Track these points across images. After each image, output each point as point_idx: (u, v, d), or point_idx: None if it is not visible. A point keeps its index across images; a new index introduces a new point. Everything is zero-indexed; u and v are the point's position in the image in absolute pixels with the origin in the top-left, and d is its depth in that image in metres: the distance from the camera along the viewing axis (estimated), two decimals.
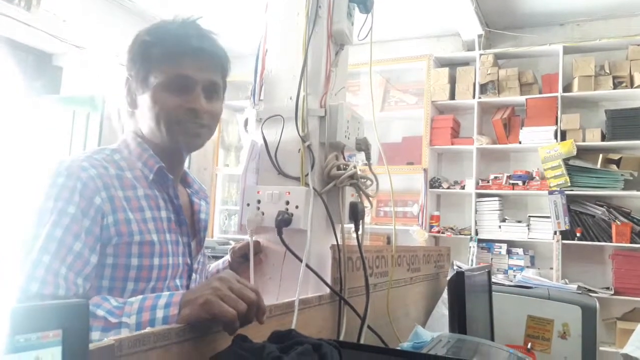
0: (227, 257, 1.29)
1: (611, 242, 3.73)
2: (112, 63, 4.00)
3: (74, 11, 3.81)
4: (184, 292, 0.81)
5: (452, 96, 4.36)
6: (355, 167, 1.19)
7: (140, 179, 1.03)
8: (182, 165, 1.17)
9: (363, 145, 1.26)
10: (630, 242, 3.68)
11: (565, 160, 3.84)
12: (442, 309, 1.63)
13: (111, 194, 0.96)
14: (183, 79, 1.03)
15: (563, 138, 3.93)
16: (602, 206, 3.85)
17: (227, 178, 5.10)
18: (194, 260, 1.12)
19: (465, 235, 4.19)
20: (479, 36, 4.30)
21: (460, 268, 1.65)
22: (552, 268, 3.77)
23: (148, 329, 0.66)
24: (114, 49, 4.05)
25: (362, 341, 1.12)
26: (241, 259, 1.23)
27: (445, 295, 1.63)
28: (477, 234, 4.13)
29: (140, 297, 0.84)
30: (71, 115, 3.52)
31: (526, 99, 4.11)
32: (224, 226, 4.99)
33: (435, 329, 1.45)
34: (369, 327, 1.15)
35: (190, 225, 1.13)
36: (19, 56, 3.68)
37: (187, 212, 1.13)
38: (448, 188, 4.32)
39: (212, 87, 1.07)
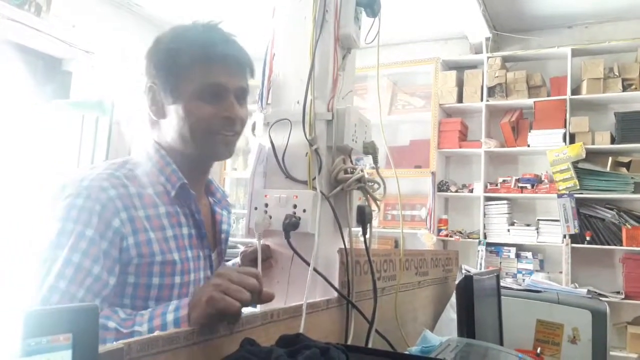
0: (237, 260, 1.29)
1: (621, 245, 3.70)
2: (121, 67, 4.03)
3: (83, 16, 3.84)
4: (191, 296, 0.82)
5: (460, 99, 4.35)
6: (362, 170, 1.18)
7: (161, 195, 1.02)
8: (207, 176, 1.16)
9: (370, 149, 1.26)
10: None
11: (574, 164, 3.81)
12: (451, 313, 1.63)
13: (131, 215, 0.94)
14: (216, 87, 1.02)
15: (572, 141, 3.91)
16: (612, 209, 3.82)
17: (235, 182, 5.12)
18: (214, 272, 1.12)
19: (473, 239, 4.18)
20: (487, 39, 4.29)
21: (469, 272, 1.64)
22: (561, 272, 3.74)
23: (157, 333, 0.66)
24: (123, 53, 4.08)
25: (370, 345, 1.12)
26: (251, 263, 1.23)
27: (453, 299, 1.62)
28: (485, 237, 4.11)
29: (150, 308, 0.85)
30: (80, 119, 3.55)
31: (534, 102, 4.09)
32: (232, 230, 4.99)
33: (444, 334, 1.44)
34: (376, 331, 1.15)
35: (211, 237, 1.12)
36: (29, 61, 3.71)
37: (208, 223, 1.12)
38: (456, 191, 4.31)
39: (241, 93, 1.07)
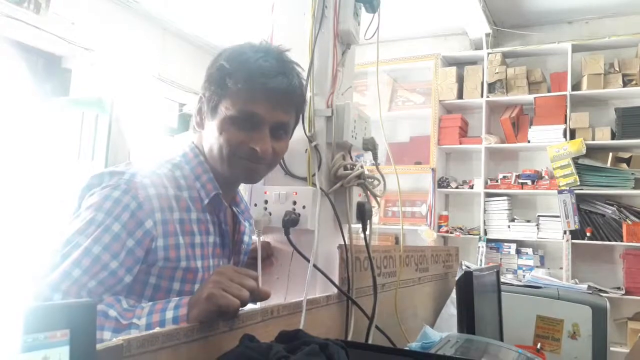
0: None
1: (622, 241, 3.70)
2: (120, 65, 4.02)
3: (82, 13, 3.83)
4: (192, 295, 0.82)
5: (460, 95, 4.35)
6: (362, 167, 1.18)
7: (195, 201, 1.02)
8: (236, 189, 1.16)
9: (370, 145, 1.26)
10: None
11: (575, 159, 3.81)
12: (451, 309, 1.63)
13: (165, 217, 0.95)
14: (252, 117, 1.00)
15: (572, 137, 3.90)
16: (612, 205, 3.82)
17: None
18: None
19: (474, 235, 4.18)
20: (487, 35, 4.28)
21: (469, 268, 1.64)
22: (561, 268, 3.75)
23: (157, 329, 0.66)
24: (122, 50, 4.08)
25: (370, 341, 1.12)
26: (253, 261, 1.23)
27: (453, 295, 1.63)
28: (485, 233, 4.11)
29: (151, 302, 0.85)
30: (80, 117, 3.55)
31: (535, 98, 4.09)
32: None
33: (444, 329, 1.44)
34: (376, 327, 1.15)
35: (231, 248, 1.13)
36: (29, 59, 3.71)
37: (230, 233, 1.12)
38: (456, 188, 4.30)
39: (280, 127, 1.04)
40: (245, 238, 1.18)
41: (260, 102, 0.99)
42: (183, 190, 1.01)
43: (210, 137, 1.04)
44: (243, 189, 1.24)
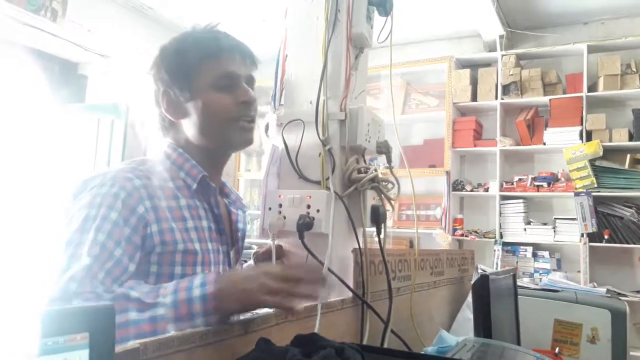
0: (251, 262, 1.29)
1: None
2: (135, 71, 4.07)
3: (98, 21, 3.89)
4: (217, 273, 0.82)
5: (474, 98, 4.32)
6: (376, 170, 1.18)
7: (182, 189, 1.05)
8: (221, 174, 1.18)
9: (384, 148, 1.26)
10: None
11: (592, 161, 3.76)
12: (467, 313, 1.61)
13: (155, 204, 0.97)
14: (229, 76, 1.07)
15: (589, 138, 3.85)
16: (630, 207, 3.76)
17: (250, 183, 5.14)
18: (232, 268, 1.14)
19: (489, 238, 4.14)
20: (501, 37, 4.25)
21: (485, 271, 1.63)
22: (579, 271, 3.70)
23: (172, 333, 0.66)
24: (138, 57, 4.12)
25: (385, 345, 1.11)
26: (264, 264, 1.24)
27: (469, 299, 1.61)
28: (501, 237, 4.07)
29: (174, 281, 0.85)
30: (96, 122, 3.60)
31: (550, 100, 4.04)
32: (247, 229, 5.01)
33: (460, 334, 1.43)
34: (392, 331, 1.14)
35: (229, 234, 1.14)
36: (46, 66, 3.77)
37: (225, 221, 1.14)
38: (471, 190, 4.27)
39: (251, 79, 1.12)
40: (240, 225, 1.20)
41: (230, 62, 1.07)
42: (168, 181, 1.04)
43: (197, 116, 1.06)
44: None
